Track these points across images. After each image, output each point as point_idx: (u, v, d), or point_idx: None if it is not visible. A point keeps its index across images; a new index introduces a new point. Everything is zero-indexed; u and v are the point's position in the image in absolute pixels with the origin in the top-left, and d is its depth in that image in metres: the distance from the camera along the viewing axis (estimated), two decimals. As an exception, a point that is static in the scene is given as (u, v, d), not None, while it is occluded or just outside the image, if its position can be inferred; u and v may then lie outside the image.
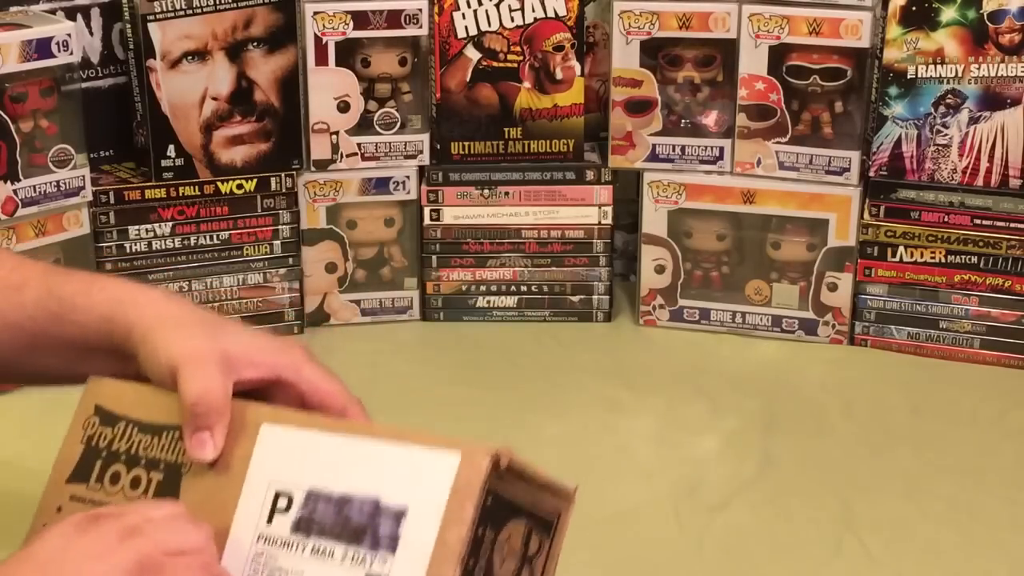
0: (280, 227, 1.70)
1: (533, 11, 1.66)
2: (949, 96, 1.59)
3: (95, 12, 1.66)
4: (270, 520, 0.78)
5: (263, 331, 0.88)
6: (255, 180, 1.67)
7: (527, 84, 1.69)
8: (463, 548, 0.72)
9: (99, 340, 0.85)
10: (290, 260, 1.71)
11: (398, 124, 1.70)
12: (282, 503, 0.78)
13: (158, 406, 0.84)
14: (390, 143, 1.70)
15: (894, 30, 1.58)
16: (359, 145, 1.69)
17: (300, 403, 0.87)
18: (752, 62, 1.63)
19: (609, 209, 1.73)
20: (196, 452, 0.79)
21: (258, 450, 0.81)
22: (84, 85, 1.63)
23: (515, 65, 1.68)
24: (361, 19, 1.64)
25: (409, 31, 1.66)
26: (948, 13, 1.56)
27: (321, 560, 0.76)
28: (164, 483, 0.82)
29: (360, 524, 0.76)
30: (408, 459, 0.78)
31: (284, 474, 0.79)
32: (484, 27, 1.67)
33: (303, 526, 0.77)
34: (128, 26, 1.62)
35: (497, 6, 1.66)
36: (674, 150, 1.69)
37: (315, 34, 1.64)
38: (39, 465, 0.91)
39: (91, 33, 1.66)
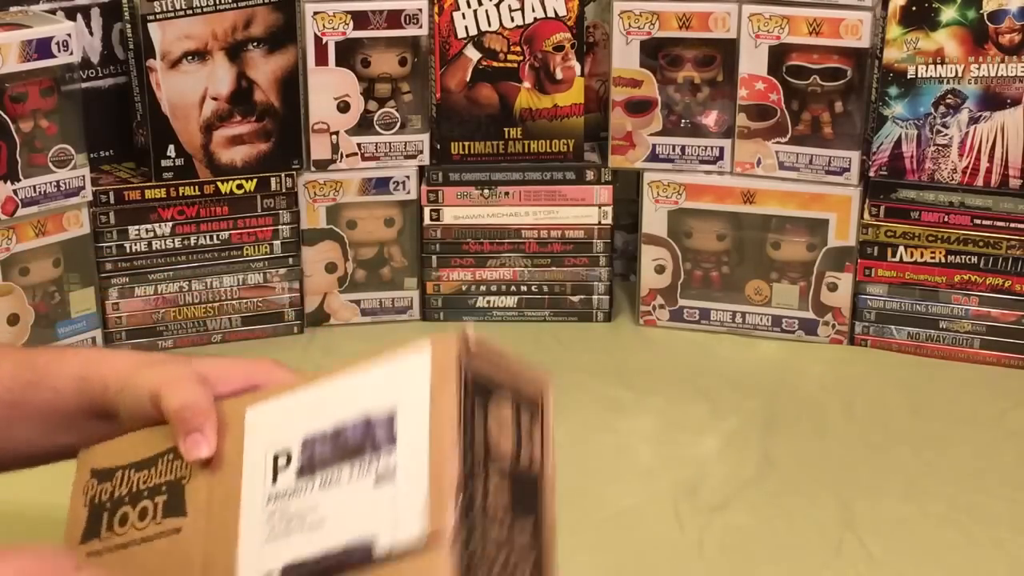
0: (280, 227, 1.70)
1: (533, 11, 1.66)
2: (949, 96, 1.59)
3: (95, 12, 1.66)
4: (275, 480, 0.79)
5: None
6: (255, 180, 1.67)
7: (527, 84, 1.69)
8: (457, 414, 0.72)
9: (76, 401, 0.85)
10: (290, 260, 1.71)
11: (398, 124, 1.70)
12: (282, 462, 0.80)
13: (147, 443, 0.85)
14: (390, 143, 1.70)
15: (894, 30, 1.58)
16: (359, 145, 1.69)
17: None
18: (752, 62, 1.63)
19: (609, 209, 1.73)
20: (192, 452, 0.80)
21: (248, 432, 0.83)
22: (84, 85, 1.63)
23: (515, 65, 1.68)
24: (361, 19, 1.64)
25: (409, 31, 1.66)
26: (948, 13, 1.56)
27: (330, 488, 0.77)
28: (169, 501, 0.83)
29: (357, 442, 0.77)
30: (385, 373, 0.79)
31: (277, 438, 0.81)
32: (484, 27, 1.67)
33: (306, 470, 0.78)
34: (128, 26, 1.62)
35: (497, 6, 1.66)
36: (674, 150, 1.69)
37: (315, 34, 1.64)
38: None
39: (91, 33, 1.66)
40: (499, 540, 0.73)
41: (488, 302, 1.77)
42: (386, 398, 0.77)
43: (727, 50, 1.64)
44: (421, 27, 1.66)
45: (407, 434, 0.74)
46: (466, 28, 1.66)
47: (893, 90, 1.60)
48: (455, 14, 1.66)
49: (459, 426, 0.72)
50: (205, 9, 1.58)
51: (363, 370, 0.81)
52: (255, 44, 1.62)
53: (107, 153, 1.69)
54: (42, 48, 1.51)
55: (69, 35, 1.53)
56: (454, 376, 0.74)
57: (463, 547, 0.70)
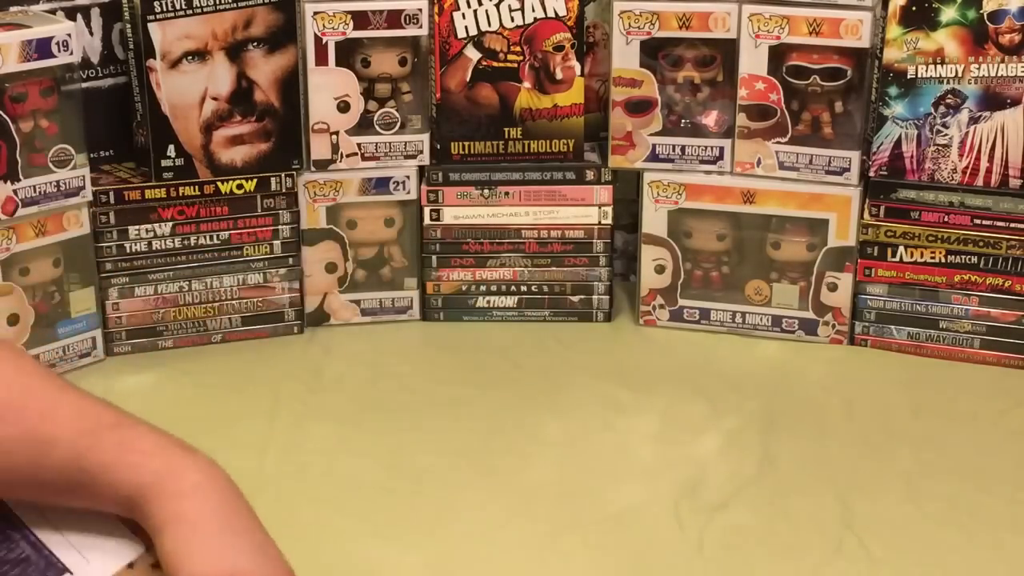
0: (280, 227, 1.70)
1: (533, 11, 1.66)
2: (949, 96, 1.59)
3: (95, 12, 1.66)
4: None
5: (277, 551, 0.79)
6: (255, 180, 1.67)
7: (527, 84, 1.69)
8: None
9: (120, 510, 0.79)
10: (290, 260, 1.71)
11: (398, 124, 1.70)
12: None
13: None
14: (390, 143, 1.70)
15: (894, 30, 1.58)
16: (359, 145, 1.69)
17: None
18: (752, 62, 1.63)
19: (609, 209, 1.73)
20: None
21: None
22: (84, 85, 1.63)
23: (515, 65, 1.68)
24: (361, 19, 1.64)
25: (409, 31, 1.66)
26: (948, 13, 1.56)
27: None
28: None
29: None
30: None
31: None
32: (484, 27, 1.67)
33: None
34: (128, 26, 1.62)
35: (497, 6, 1.66)
36: (674, 150, 1.69)
37: (315, 34, 1.64)
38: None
39: (91, 33, 1.66)
40: None
41: (488, 302, 1.77)
42: None
43: (727, 50, 1.64)
44: (421, 27, 1.66)
45: None
46: (466, 28, 1.66)
47: (893, 90, 1.60)
48: (455, 14, 1.66)
49: None
50: (205, 9, 1.58)
51: None
52: (255, 44, 1.62)
53: (107, 153, 1.69)
54: (42, 48, 1.50)
55: (69, 35, 1.52)
56: None
57: None
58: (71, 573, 0.74)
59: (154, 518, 0.76)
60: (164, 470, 0.77)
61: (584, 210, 1.73)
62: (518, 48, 1.67)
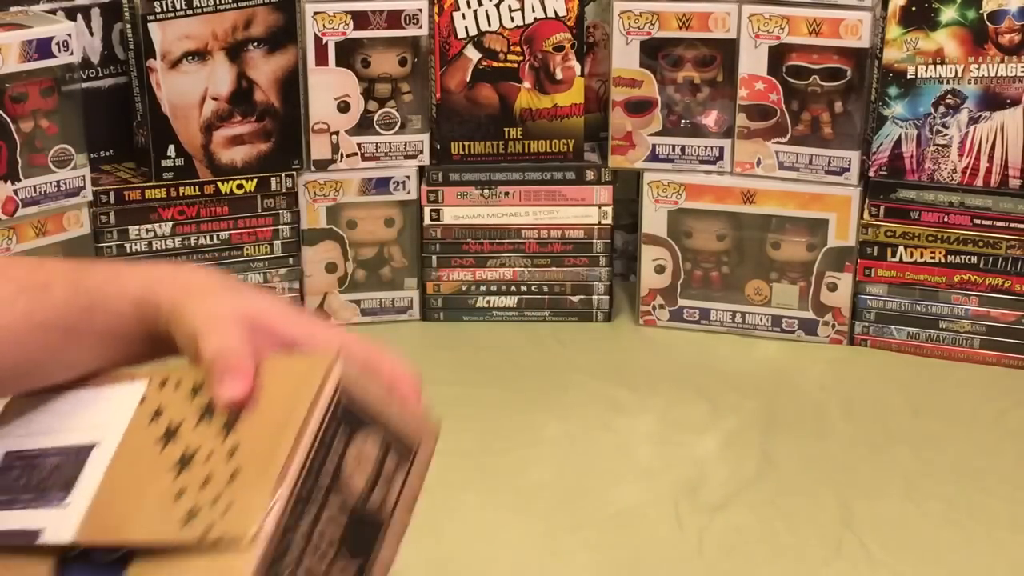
0: (280, 227, 1.70)
1: (533, 11, 1.66)
2: (949, 96, 1.59)
3: (95, 12, 1.66)
4: None
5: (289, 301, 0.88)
6: (255, 180, 1.67)
7: (527, 84, 1.69)
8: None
9: (135, 325, 0.83)
10: (290, 260, 1.71)
11: (398, 124, 1.70)
12: None
13: None
14: (390, 143, 1.70)
15: (894, 30, 1.58)
16: (359, 145, 1.69)
17: None
18: (752, 62, 1.63)
19: (609, 209, 1.73)
20: (225, 394, 0.75)
21: None
22: (84, 85, 1.63)
23: (515, 65, 1.68)
24: (361, 19, 1.64)
25: (409, 31, 1.66)
26: (948, 13, 1.56)
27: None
28: None
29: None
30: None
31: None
32: (484, 27, 1.67)
33: None
34: (128, 26, 1.62)
35: (497, 6, 1.66)
36: (674, 150, 1.69)
37: (315, 34, 1.64)
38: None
39: (91, 33, 1.66)
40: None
41: (488, 302, 1.77)
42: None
43: (727, 50, 1.64)
44: (421, 27, 1.66)
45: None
46: (466, 28, 1.66)
47: (893, 90, 1.60)
48: (455, 14, 1.66)
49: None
50: (205, 9, 1.58)
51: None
52: (255, 44, 1.62)
53: (107, 153, 1.69)
54: (42, 48, 1.51)
55: (69, 35, 1.53)
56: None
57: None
58: (98, 445, 0.77)
59: (169, 299, 0.81)
60: (160, 266, 0.83)
61: (584, 210, 1.73)
62: (518, 48, 1.67)
